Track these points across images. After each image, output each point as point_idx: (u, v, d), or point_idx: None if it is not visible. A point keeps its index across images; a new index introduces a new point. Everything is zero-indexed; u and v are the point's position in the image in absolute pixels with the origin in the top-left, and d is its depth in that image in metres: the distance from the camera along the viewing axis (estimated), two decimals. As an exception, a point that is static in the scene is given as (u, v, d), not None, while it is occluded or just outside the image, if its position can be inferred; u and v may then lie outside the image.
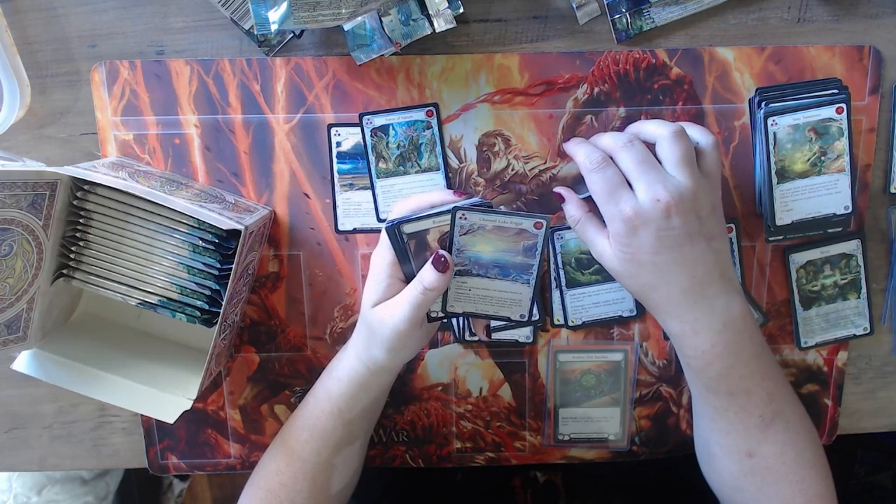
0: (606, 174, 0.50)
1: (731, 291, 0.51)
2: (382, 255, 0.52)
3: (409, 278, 0.52)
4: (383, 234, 0.52)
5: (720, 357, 0.51)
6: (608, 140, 0.52)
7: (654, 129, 0.51)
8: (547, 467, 0.77)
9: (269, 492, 0.57)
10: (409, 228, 0.51)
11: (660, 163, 0.50)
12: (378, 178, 0.60)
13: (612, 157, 0.51)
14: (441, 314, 0.54)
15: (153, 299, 0.56)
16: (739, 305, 0.51)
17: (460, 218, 0.49)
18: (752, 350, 0.52)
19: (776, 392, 0.53)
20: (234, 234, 0.53)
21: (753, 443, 0.54)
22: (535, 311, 0.51)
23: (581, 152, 0.52)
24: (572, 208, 0.56)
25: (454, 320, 0.63)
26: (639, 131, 0.53)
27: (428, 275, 0.49)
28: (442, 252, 0.50)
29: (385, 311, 0.51)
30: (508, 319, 0.53)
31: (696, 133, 0.52)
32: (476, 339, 0.64)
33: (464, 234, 0.50)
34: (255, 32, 0.54)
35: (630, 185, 0.50)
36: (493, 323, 0.62)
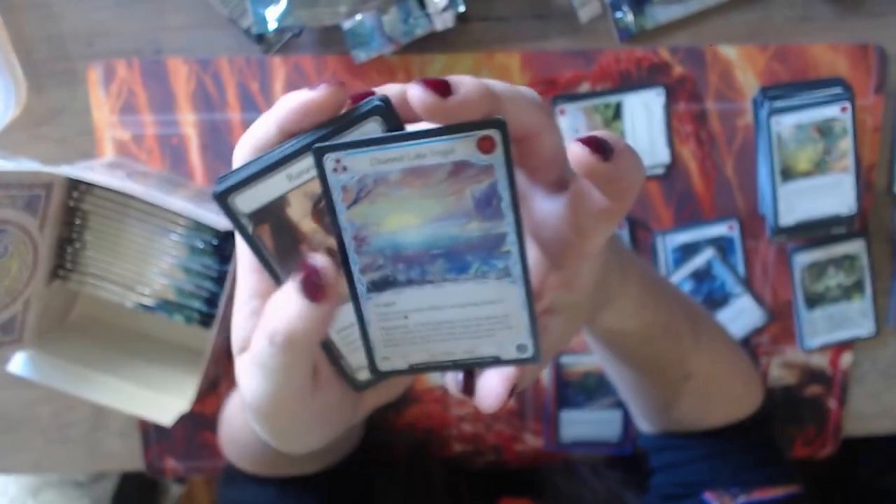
0: None
1: None
2: (241, 256, 0.29)
3: None
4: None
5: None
6: None
7: None
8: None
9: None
10: (244, 202, 0.26)
11: None
12: (378, 178, 0.59)
13: None
14: (371, 377, 0.30)
15: (150, 301, 0.55)
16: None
17: (333, 171, 0.25)
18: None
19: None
20: (233, 235, 0.52)
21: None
22: (536, 331, 0.28)
23: None
24: None
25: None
26: None
27: (283, 308, 0.25)
28: (312, 260, 0.24)
29: (241, 374, 0.28)
30: (496, 360, 0.29)
31: None
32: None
33: (354, 204, 0.25)
34: (254, 31, 0.53)
35: None
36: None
